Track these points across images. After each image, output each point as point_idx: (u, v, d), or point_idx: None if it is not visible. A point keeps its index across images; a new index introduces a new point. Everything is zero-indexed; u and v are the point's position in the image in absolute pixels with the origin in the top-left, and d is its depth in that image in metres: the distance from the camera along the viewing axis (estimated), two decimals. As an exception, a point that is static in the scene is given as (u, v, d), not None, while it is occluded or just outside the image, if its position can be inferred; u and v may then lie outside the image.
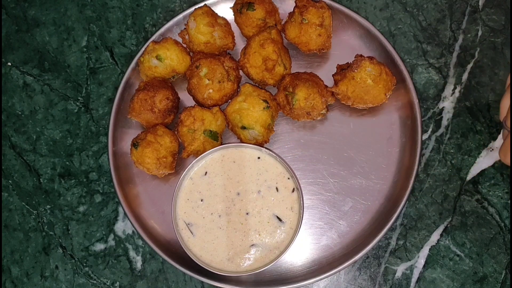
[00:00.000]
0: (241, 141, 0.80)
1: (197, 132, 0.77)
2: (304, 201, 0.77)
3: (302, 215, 0.74)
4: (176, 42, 0.82)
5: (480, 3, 0.88)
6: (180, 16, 0.86)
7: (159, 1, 0.92)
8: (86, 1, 0.93)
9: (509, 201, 0.80)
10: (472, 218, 0.80)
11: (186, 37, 0.83)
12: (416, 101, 0.80)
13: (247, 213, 0.75)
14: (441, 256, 0.80)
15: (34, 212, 0.86)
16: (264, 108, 0.77)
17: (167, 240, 0.80)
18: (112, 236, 0.84)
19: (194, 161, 0.76)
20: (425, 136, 0.83)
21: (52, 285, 0.83)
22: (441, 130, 0.84)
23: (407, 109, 0.81)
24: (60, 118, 0.89)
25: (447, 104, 0.84)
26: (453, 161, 0.82)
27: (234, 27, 0.85)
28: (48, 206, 0.86)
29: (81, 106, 0.89)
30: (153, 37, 0.85)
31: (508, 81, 0.68)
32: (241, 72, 0.83)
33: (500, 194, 0.81)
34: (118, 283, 0.82)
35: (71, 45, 0.91)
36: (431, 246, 0.80)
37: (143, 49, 0.84)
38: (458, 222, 0.81)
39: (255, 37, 0.79)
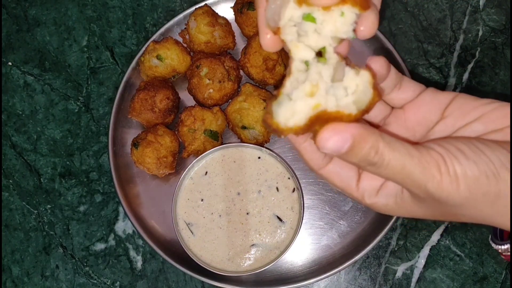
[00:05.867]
0: (242, 141, 0.80)
1: (198, 132, 0.77)
2: (304, 201, 0.77)
3: (303, 215, 0.74)
4: (177, 42, 0.82)
5: (481, 3, 0.88)
6: (181, 15, 0.86)
7: (160, 0, 0.92)
8: (86, 1, 0.93)
9: (509, 201, 0.80)
10: (472, 218, 0.80)
11: (187, 36, 0.83)
12: (416, 101, 0.80)
13: (247, 213, 0.75)
14: (442, 256, 0.80)
15: (35, 211, 0.86)
16: (264, 108, 0.77)
17: (167, 240, 0.80)
18: (112, 235, 0.84)
19: (194, 161, 0.76)
20: (426, 136, 0.83)
21: (53, 284, 0.83)
22: (442, 130, 0.83)
23: (407, 109, 0.81)
24: (60, 117, 0.89)
25: (448, 104, 0.84)
26: (453, 161, 0.82)
27: (235, 26, 0.85)
28: (49, 206, 0.86)
29: (81, 106, 0.89)
30: (154, 37, 0.85)
31: None
32: (241, 72, 0.83)
33: (501, 194, 0.81)
34: (118, 282, 0.82)
35: (71, 44, 0.91)
36: (432, 246, 0.80)
37: (143, 48, 0.84)
38: (458, 222, 0.80)
39: (255, 36, 0.79)
